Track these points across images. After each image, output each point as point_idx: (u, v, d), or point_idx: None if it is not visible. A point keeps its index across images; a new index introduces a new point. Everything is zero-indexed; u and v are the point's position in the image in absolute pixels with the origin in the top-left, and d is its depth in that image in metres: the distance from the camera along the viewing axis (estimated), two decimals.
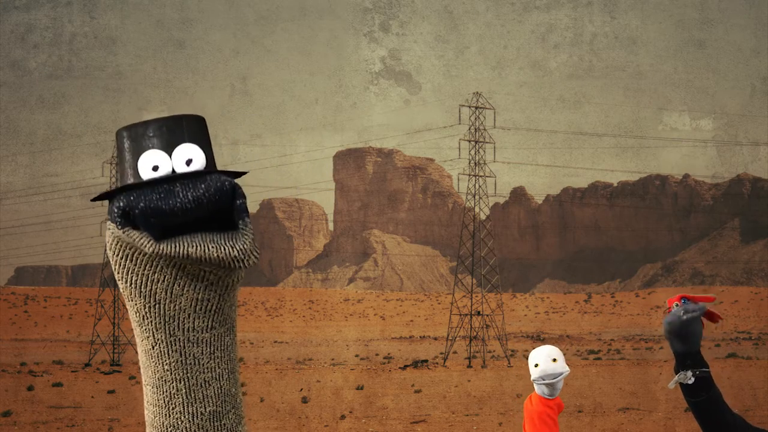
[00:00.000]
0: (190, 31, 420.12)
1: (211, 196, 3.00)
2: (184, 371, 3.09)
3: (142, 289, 3.07)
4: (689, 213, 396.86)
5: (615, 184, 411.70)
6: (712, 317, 3.90)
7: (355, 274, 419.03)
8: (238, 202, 3.05)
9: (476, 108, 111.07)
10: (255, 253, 3.04)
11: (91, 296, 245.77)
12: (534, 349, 4.38)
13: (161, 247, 2.99)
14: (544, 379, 4.22)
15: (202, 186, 3.01)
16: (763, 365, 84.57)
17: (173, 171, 3.05)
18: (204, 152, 3.11)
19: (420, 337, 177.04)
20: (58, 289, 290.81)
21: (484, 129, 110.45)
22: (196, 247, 2.99)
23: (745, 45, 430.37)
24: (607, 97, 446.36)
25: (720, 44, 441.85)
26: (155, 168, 3.05)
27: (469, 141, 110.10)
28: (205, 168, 3.08)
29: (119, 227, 3.03)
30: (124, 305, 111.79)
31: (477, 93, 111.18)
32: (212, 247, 2.99)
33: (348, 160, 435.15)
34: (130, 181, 3.07)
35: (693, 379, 3.80)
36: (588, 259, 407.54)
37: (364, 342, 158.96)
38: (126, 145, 3.11)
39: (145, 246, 3.00)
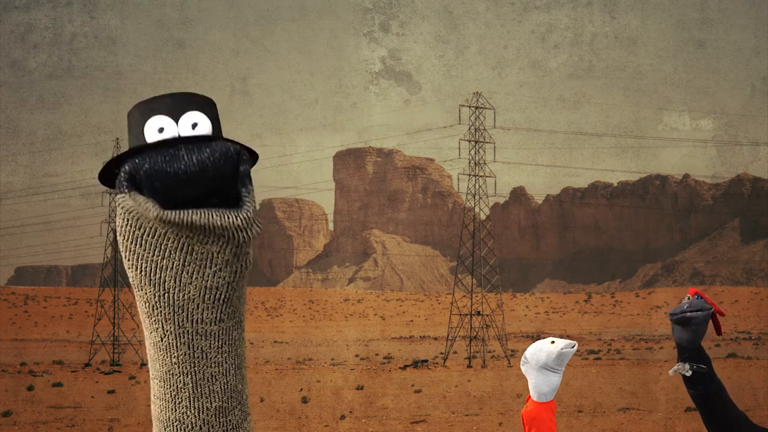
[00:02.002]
0: (190, 31, 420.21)
1: (216, 160, 3.00)
2: (192, 365, 3.07)
3: (152, 277, 3.05)
4: (689, 213, 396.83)
5: (615, 184, 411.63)
6: (717, 329, 3.96)
7: (355, 274, 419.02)
8: (241, 168, 3.05)
9: (476, 108, 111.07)
10: (257, 223, 3.04)
11: (91, 296, 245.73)
12: (529, 347, 4.41)
13: (166, 214, 2.98)
14: (564, 348, 4.29)
15: (207, 150, 3.01)
16: (763, 365, 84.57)
17: (179, 136, 3.06)
18: (212, 124, 3.11)
19: (420, 337, 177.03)
20: (58, 289, 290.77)
21: (484, 129, 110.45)
22: (200, 215, 2.98)
23: (745, 45, 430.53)
24: (607, 97, 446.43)
25: (720, 44, 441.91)
26: (161, 130, 3.05)
27: (469, 141, 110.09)
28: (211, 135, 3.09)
29: (125, 190, 3.01)
30: (124, 305, 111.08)
31: (477, 93, 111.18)
32: (216, 216, 2.99)
33: (348, 160, 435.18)
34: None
35: (690, 373, 3.88)
36: (588, 259, 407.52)
37: (364, 342, 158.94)
38: (135, 118, 3.11)
39: (150, 211, 2.98)
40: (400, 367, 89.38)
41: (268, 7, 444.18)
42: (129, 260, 3.07)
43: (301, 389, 63.82)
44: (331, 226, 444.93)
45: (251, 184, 3.08)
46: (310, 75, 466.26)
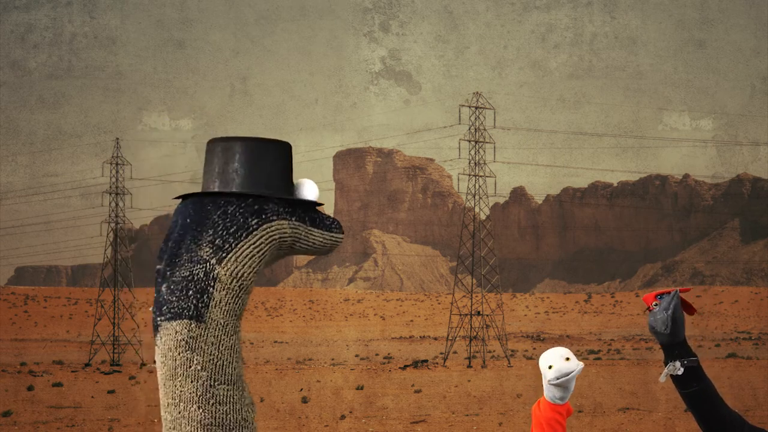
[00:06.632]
0: (190, 31, 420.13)
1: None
2: (241, 362, 3.17)
3: (254, 278, 3.13)
4: (689, 213, 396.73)
5: (615, 184, 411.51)
6: (688, 309, 3.91)
7: (355, 274, 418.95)
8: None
9: (476, 108, 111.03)
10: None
11: (91, 296, 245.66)
12: (543, 352, 4.34)
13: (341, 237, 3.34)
14: (559, 378, 4.16)
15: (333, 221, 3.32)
16: (763, 365, 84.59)
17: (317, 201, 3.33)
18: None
19: (420, 337, 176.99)
20: (58, 289, 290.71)
21: (484, 129, 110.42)
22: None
23: (745, 45, 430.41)
24: (607, 97, 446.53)
25: (720, 44, 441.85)
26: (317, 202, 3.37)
27: (469, 141, 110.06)
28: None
29: (338, 233, 3.30)
30: (124, 305, 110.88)
31: (477, 93, 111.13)
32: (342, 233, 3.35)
33: (348, 160, 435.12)
34: (284, 194, 3.24)
35: (682, 370, 3.82)
36: (588, 259, 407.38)
37: (364, 342, 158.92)
38: (286, 160, 3.30)
39: (338, 235, 3.28)
40: (400, 367, 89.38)
41: (268, 7, 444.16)
42: (257, 267, 3.13)
43: (301, 389, 63.82)
44: None
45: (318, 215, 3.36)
46: (310, 75, 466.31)
